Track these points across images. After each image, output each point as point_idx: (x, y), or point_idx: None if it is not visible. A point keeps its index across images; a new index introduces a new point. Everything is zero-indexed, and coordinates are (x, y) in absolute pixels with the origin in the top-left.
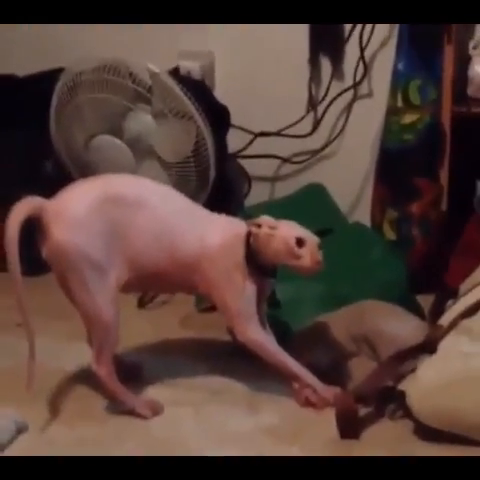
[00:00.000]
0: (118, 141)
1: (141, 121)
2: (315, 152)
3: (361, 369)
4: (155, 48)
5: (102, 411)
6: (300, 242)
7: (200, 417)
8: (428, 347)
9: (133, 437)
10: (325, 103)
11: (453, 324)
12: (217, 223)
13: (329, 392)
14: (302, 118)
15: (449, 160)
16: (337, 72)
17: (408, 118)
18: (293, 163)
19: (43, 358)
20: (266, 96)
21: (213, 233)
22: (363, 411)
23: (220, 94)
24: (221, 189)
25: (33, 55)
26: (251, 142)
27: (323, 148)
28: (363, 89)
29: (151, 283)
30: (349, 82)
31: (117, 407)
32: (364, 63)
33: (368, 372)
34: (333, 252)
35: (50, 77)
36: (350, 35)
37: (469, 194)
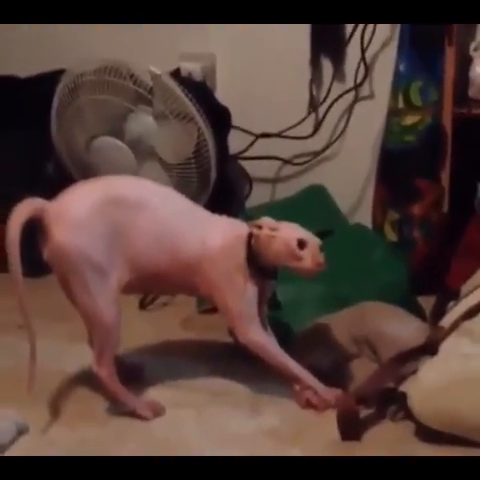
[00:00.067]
0: (119, 142)
1: (142, 122)
2: (316, 153)
3: (362, 371)
4: (156, 49)
5: (103, 412)
6: (301, 244)
7: (201, 419)
8: (429, 349)
9: (134, 438)
10: (326, 104)
11: (454, 326)
12: (218, 224)
13: (330, 394)
14: (303, 119)
15: (450, 161)
16: (338, 73)
17: (409, 119)
18: (294, 164)
19: (44, 359)
20: (267, 97)
21: (214, 234)
22: (364, 413)
23: (221, 96)
24: (222, 190)
25: (34, 56)
26: (252, 143)
27: (324, 149)
28: (364, 90)
29: (152, 284)
30: (350, 83)
31: (118, 408)
32: (365, 64)
33: (369, 374)
34: (334, 253)
35: (51, 78)
36: (351, 36)
37: (470, 195)
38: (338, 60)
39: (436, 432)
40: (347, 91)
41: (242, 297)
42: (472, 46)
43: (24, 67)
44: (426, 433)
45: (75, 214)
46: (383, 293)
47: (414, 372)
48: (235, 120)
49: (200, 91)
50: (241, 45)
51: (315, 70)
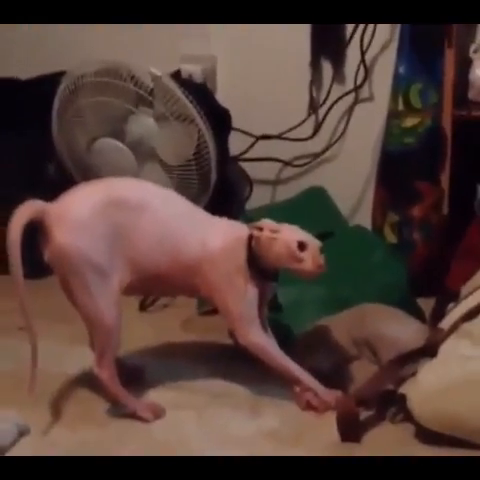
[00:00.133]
0: (120, 144)
1: (143, 124)
2: (316, 155)
3: (362, 372)
4: (157, 51)
5: (104, 414)
6: (302, 246)
7: (202, 420)
8: (429, 351)
9: (135, 440)
10: (326, 106)
11: (454, 327)
12: (218, 226)
13: (330, 395)
14: (303, 121)
15: (450, 163)
16: (338, 75)
17: (409, 121)
18: (294, 166)
19: (45, 361)
20: (267, 99)
21: (215, 236)
22: (364, 414)
23: (222, 97)
24: (222, 192)
25: (35, 58)
26: (252, 145)
27: (324, 151)
28: (364, 92)
29: (153, 286)
30: (350, 85)
31: (119, 410)
32: (365, 66)
33: (369, 375)
34: (334, 255)
35: (52, 80)
36: (351, 38)
37: (470, 197)
38: (338, 62)
39: (436, 434)
40: (347, 93)
41: (242, 299)
42: (472, 48)
43: (24, 68)
44: (426, 435)
45: (76, 216)
46: (383, 295)
47: (414, 374)
48: (235, 122)
49: (201, 93)
50: (241, 47)
51: (315, 72)
